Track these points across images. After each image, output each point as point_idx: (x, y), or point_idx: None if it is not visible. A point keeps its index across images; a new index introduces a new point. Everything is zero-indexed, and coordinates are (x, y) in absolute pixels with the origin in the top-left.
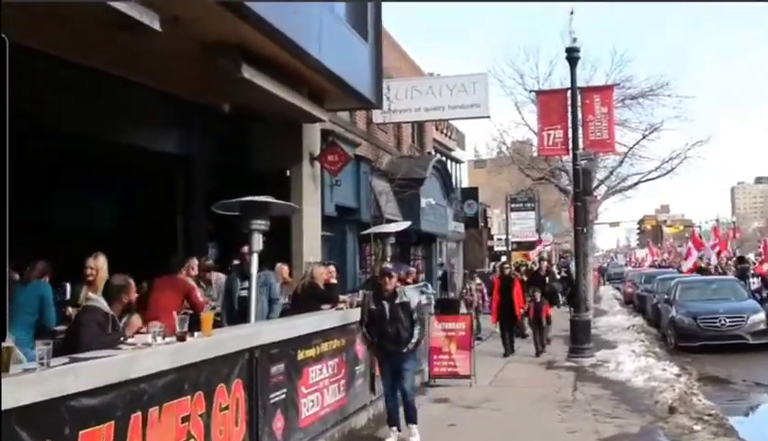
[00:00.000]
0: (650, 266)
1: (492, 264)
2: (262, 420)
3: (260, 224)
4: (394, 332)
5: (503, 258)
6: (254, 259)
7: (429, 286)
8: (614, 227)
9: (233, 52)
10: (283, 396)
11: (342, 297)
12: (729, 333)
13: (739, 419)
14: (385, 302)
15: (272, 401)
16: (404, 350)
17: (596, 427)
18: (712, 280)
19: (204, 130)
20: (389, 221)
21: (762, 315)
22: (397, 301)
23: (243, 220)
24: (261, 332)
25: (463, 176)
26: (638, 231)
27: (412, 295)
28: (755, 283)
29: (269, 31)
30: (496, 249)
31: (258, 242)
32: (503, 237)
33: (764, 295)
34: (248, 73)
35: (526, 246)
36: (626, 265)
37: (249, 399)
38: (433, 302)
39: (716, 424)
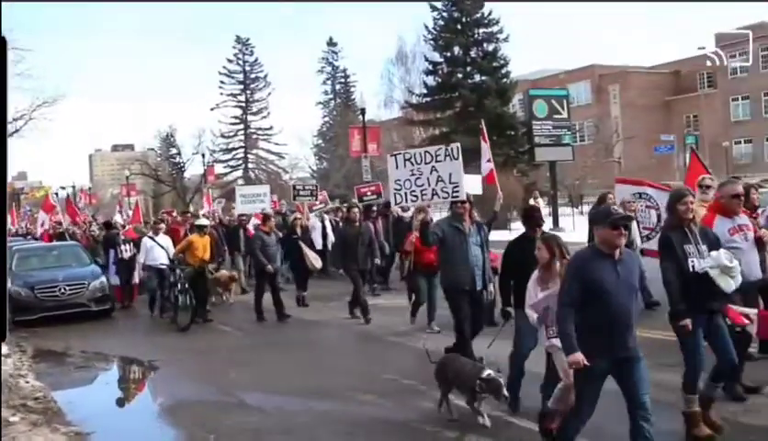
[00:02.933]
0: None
1: None
2: None
3: None
4: None
5: None
6: None
7: None
8: None
9: None
10: None
11: None
12: (70, 301)
13: (71, 398)
14: None
15: None
16: None
17: None
18: (53, 247)
19: None
20: None
21: (102, 280)
22: None
23: None
24: None
25: None
26: None
27: None
28: (127, 251)
29: None
30: None
31: None
32: None
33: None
34: None
35: None
36: None
37: None
38: None
39: (40, 409)
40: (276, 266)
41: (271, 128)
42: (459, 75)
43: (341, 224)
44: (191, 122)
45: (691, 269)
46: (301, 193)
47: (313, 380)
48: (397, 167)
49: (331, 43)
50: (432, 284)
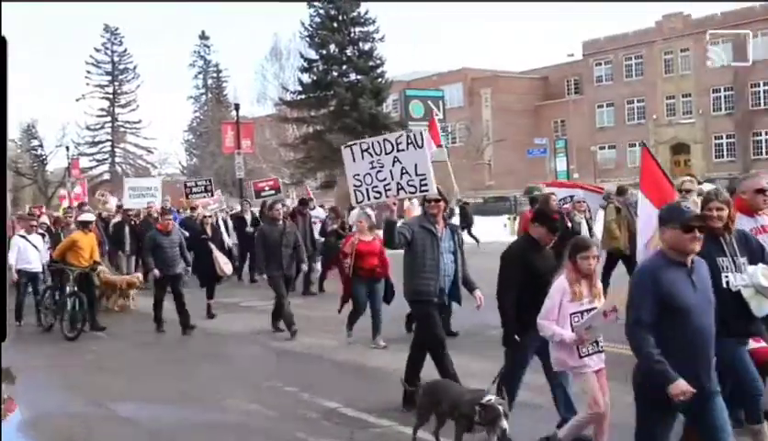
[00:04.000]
0: None
1: None
2: None
3: None
4: None
5: None
6: None
7: None
8: None
9: None
10: None
11: None
12: None
13: None
14: None
15: None
16: None
17: None
18: None
19: None
20: None
21: None
22: None
23: None
24: None
25: None
26: None
27: None
28: None
29: None
30: None
31: None
32: None
33: None
34: None
35: None
36: None
37: None
38: None
39: None
40: (177, 271)
41: (140, 121)
42: (335, 73)
43: (260, 225)
44: (55, 114)
45: (725, 286)
46: (194, 190)
47: (196, 392)
48: (354, 160)
49: (203, 37)
50: (374, 292)
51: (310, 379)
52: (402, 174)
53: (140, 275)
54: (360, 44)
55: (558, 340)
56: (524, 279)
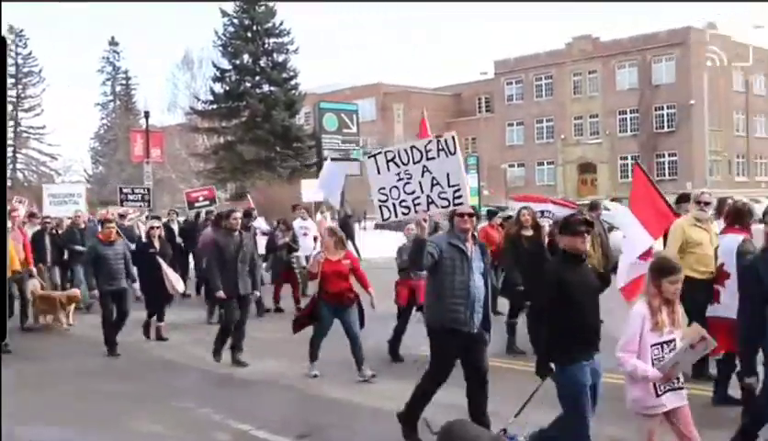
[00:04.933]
0: None
1: None
2: None
3: None
4: None
5: None
6: None
7: None
8: None
9: None
10: None
11: None
12: None
13: None
14: None
15: None
16: None
17: None
18: None
19: None
20: None
21: None
22: None
23: None
24: None
25: None
26: None
27: None
28: None
29: None
30: None
31: None
32: None
33: None
34: None
35: None
36: None
37: None
38: None
39: None
40: (122, 285)
41: (44, 127)
42: (248, 84)
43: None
44: None
45: None
46: (130, 198)
47: (99, 413)
48: (378, 171)
49: (113, 42)
50: (347, 320)
51: (232, 402)
52: (433, 185)
53: (76, 291)
54: (274, 55)
55: (641, 377)
56: (559, 301)
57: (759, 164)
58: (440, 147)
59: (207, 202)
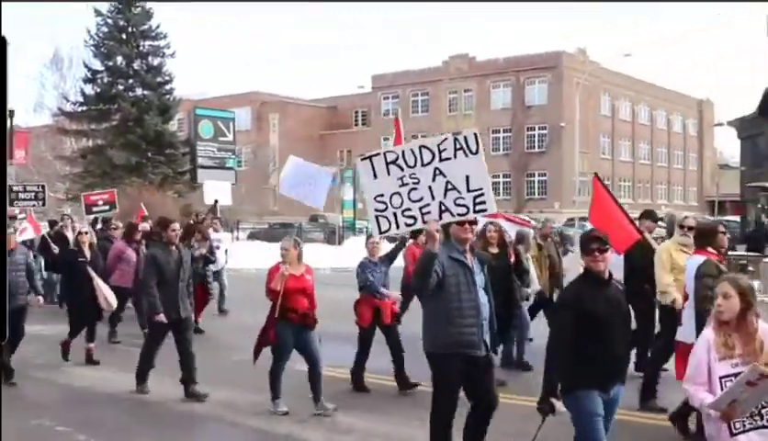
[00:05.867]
0: None
1: None
2: None
3: None
4: None
5: None
6: None
7: None
8: None
9: None
10: None
11: None
12: None
13: None
14: None
15: None
16: None
17: None
18: None
19: None
20: None
21: None
22: None
23: None
24: None
25: None
26: None
27: None
28: None
29: None
30: None
31: None
32: None
33: None
34: None
35: None
36: None
37: None
38: None
39: None
40: (20, 302)
41: None
42: (120, 87)
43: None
44: None
45: None
46: (21, 196)
47: None
48: (375, 176)
49: None
50: (308, 342)
51: (105, 423)
52: (447, 190)
53: None
54: (149, 58)
55: (707, 411)
56: (577, 328)
57: (623, 186)
58: (458, 146)
59: (107, 207)
